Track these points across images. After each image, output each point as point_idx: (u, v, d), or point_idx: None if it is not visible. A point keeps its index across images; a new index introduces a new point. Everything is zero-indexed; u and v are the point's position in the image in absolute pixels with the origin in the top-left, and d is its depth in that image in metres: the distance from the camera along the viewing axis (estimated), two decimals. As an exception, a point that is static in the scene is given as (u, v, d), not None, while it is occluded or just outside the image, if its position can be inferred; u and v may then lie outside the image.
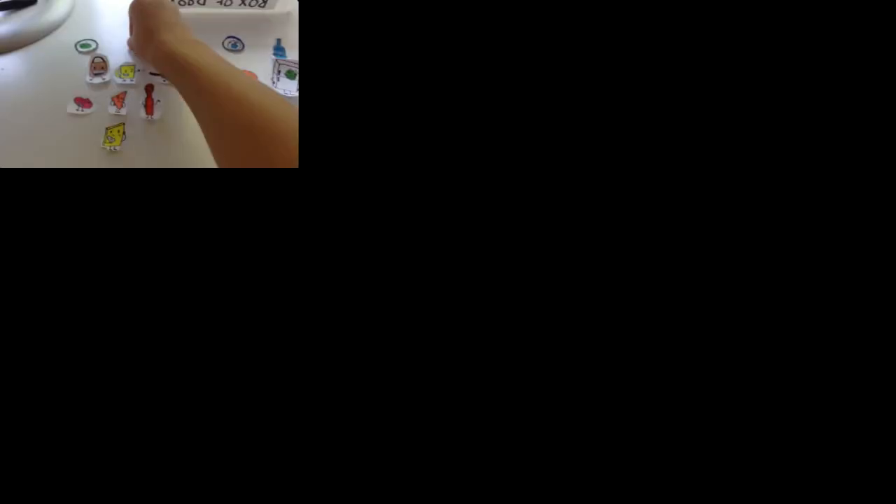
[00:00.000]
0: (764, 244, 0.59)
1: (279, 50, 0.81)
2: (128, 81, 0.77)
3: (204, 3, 0.82)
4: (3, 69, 0.76)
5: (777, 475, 0.59)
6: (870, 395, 0.58)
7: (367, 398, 0.59)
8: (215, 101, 0.55)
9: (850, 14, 0.59)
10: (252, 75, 0.74)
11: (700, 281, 0.59)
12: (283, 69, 0.79)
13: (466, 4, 0.60)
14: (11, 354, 0.59)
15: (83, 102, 0.74)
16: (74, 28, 0.82)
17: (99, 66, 0.77)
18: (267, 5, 0.83)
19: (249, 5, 0.83)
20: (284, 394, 0.59)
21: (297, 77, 0.77)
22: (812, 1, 0.59)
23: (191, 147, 0.73)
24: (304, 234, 0.60)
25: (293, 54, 0.80)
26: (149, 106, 0.75)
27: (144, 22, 0.70)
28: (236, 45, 0.82)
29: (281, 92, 0.76)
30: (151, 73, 0.77)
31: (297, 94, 0.75)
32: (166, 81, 0.77)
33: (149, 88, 0.76)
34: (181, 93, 0.63)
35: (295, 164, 0.50)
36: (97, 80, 0.76)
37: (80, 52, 0.79)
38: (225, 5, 0.83)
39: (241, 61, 0.76)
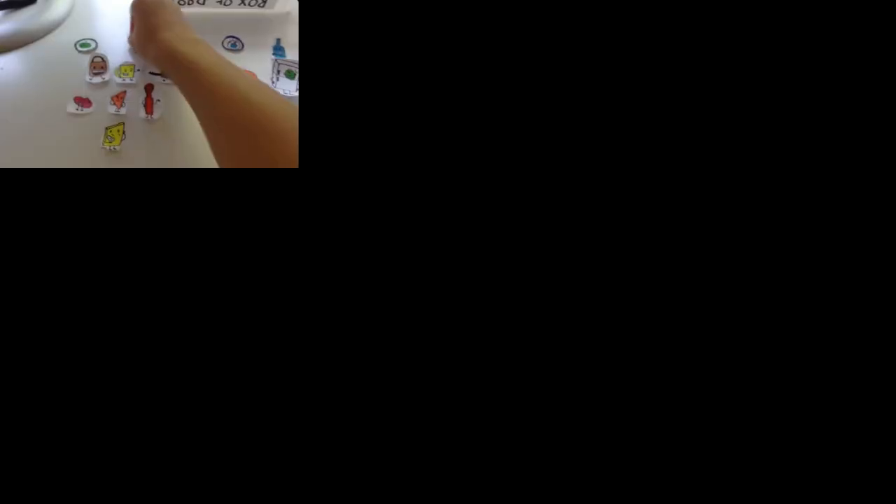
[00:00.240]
0: (764, 244, 0.60)
1: (278, 50, 0.81)
2: (127, 81, 0.77)
3: (203, 3, 0.82)
4: (2, 68, 0.76)
5: (777, 475, 0.59)
6: (870, 395, 0.59)
7: (367, 398, 0.59)
8: (216, 100, 0.56)
9: (849, 14, 0.59)
10: (252, 75, 0.74)
11: (700, 281, 0.60)
12: (283, 69, 0.79)
13: (466, 4, 0.60)
14: (11, 354, 0.59)
15: (83, 102, 0.74)
16: (74, 27, 0.82)
17: (98, 65, 0.77)
18: (266, 5, 0.83)
19: (249, 5, 0.83)
20: (284, 394, 0.59)
21: (297, 77, 0.77)
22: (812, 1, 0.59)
23: (191, 147, 0.73)
24: (304, 234, 0.60)
25: (293, 54, 0.80)
26: (148, 105, 0.75)
27: (146, 20, 0.70)
28: (235, 45, 0.82)
29: (280, 92, 0.76)
30: (151, 73, 0.77)
31: (296, 93, 0.75)
32: (166, 81, 0.77)
33: (148, 88, 0.76)
34: (182, 91, 0.63)
35: (295, 163, 0.50)
36: (97, 79, 0.76)
37: (80, 52, 0.79)
38: (224, 5, 0.83)
39: (240, 61, 0.76)
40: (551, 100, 0.60)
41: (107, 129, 0.73)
